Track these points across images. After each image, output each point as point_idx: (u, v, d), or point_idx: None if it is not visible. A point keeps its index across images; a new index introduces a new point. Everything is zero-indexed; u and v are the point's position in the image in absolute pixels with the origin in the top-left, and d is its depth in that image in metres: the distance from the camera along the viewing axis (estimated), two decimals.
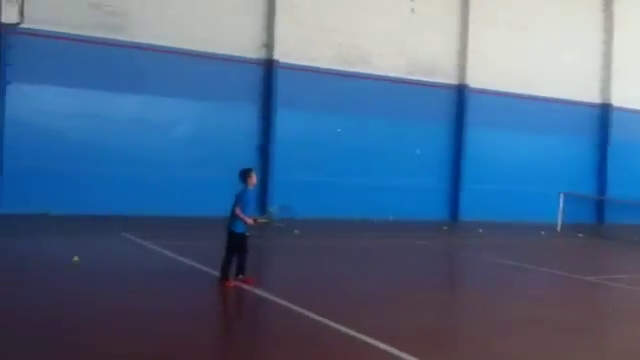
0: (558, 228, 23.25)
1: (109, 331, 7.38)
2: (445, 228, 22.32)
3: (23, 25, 18.95)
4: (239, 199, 10.07)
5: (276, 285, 10.59)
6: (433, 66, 25.19)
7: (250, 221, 10.06)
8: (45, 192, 19.09)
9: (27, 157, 19.05)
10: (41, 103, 19.49)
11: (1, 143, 18.79)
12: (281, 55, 22.36)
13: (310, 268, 12.88)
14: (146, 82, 20.70)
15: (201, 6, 21.36)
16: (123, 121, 20.47)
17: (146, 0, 20.68)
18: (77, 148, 19.75)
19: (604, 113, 28.71)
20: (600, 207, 28.75)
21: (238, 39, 21.94)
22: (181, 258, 12.48)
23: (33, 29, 19.09)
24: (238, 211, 9.95)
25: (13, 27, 18.86)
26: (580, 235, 21.99)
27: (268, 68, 22.33)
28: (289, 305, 8.94)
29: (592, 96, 28.54)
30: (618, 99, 28.60)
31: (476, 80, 25.61)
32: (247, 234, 10.19)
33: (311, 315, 8.40)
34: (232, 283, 9.99)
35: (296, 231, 17.06)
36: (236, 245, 10.09)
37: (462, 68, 25.67)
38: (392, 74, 24.27)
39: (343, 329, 7.75)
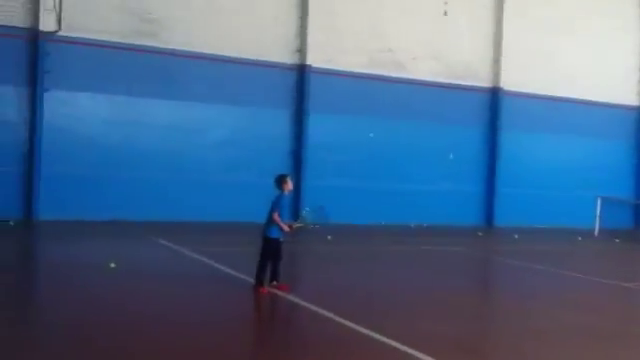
0: (595, 233, 22.89)
1: (145, 337, 7.43)
2: (480, 234, 22.11)
3: (61, 33, 19.27)
4: (275, 204, 10.08)
5: (309, 291, 10.58)
6: (466, 69, 25.00)
7: (287, 228, 10.07)
8: (81, 198, 19.37)
9: (63, 163, 19.34)
10: (77, 109, 19.77)
11: (39, 149, 19.09)
12: (314, 60, 22.38)
13: (343, 274, 12.85)
14: (180, 88, 20.88)
15: (234, 13, 21.48)
16: (158, 127, 20.67)
17: (180, 7, 20.85)
18: (112, 154, 19.99)
19: None
20: (638, 212, 28.23)
21: (271, 44, 22.02)
22: (216, 264, 12.54)
23: (70, 37, 19.39)
24: (275, 216, 9.95)
25: (51, 35, 19.19)
26: (617, 240, 21.62)
27: (301, 73, 22.38)
28: (322, 311, 8.92)
29: (630, 98, 28.04)
30: None
31: (510, 83, 25.34)
32: (281, 240, 10.20)
33: (343, 321, 8.37)
34: (266, 289, 10.01)
35: (329, 237, 17.07)
36: (271, 251, 10.11)
37: (496, 71, 25.42)
38: (425, 78, 24.12)
39: (375, 335, 7.71)
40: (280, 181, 10.30)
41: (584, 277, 13.58)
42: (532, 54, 25.64)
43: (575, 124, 26.36)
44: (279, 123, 22.31)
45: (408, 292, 11.15)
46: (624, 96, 27.71)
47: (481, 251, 18.47)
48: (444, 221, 23.17)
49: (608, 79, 27.09)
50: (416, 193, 23.63)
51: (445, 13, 24.51)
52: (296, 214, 21.21)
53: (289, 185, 10.32)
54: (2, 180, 18.52)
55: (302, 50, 22.39)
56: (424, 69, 24.18)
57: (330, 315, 8.72)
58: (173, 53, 20.63)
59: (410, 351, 7.16)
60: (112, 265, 11.47)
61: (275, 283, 10.17)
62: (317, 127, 22.36)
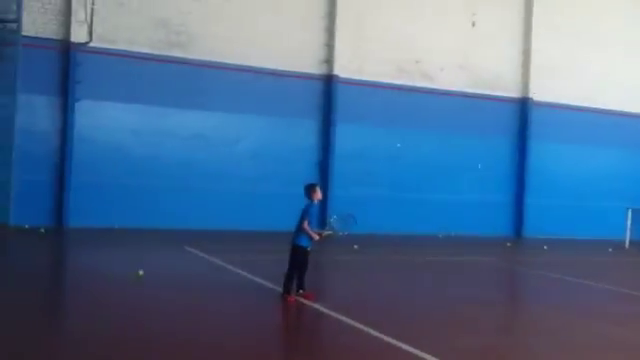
0: (626, 245, 22.54)
1: (170, 346, 7.48)
2: (509, 244, 21.91)
3: (92, 44, 19.57)
4: (305, 213, 10.09)
5: (335, 300, 10.55)
6: (495, 80, 24.87)
7: (316, 237, 10.07)
8: (110, 206, 19.59)
9: (93, 172, 19.60)
10: (107, 119, 20.03)
11: (69, 158, 19.36)
12: (341, 70, 22.44)
13: (369, 284, 12.81)
14: (209, 98, 21.06)
15: (262, 23, 21.63)
16: (187, 137, 20.87)
17: (209, 18, 21.06)
18: (141, 163, 20.21)
19: None
20: None
21: (299, 55, 22.13)
22: (243, 272, 12.58)
23: (101, 48, 19.70)
24: (305, 225, 9.96)
25: (82, 46, 19.49)
26: None
27: (328, 83, 22.44)
28: (348, 320, 8.89)
29: None
30: None
31: (539, 93, 25.15)
32: (309, 249, 10.21)
33: (369, 330, 8.34)
34: (294, 298, 10.02)
35: (355, 246, 17.03)
36: (299, 260, 10.11)
37: (525, 81, 25.25)
38: (453, 88, 24.06)
39: (402, 345, 7.66)
40: (309, 190, 10.31)
41: (615, 289, 13.38)
42: (561, 64, 25.42)
43: (605, 135, 26.06)
44: (306, 133, 22.38)
45: (435, 303, 11.07)
46: None
47: (510, 262, 18.29)
48: (472, 231, 23.02)
49: (638, 90, 26.73)
50: (444, 203, 23.52)
51: (473, 24, 24.45)
52: (323, 223, 21.24)
53: (318, 194, 10.32)
54: (34, 189, 18.81)
55: (329, 60, 22.47)
56: (452, 79, 24.11)
57: (356, 324, 8.69)
58: (201, 64, 20.82)
59: None
60: (140, 273, 11.55)
61: (301, 292, 10.17)
62: (344, 137, 22.39)
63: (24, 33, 18.54)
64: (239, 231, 19.94)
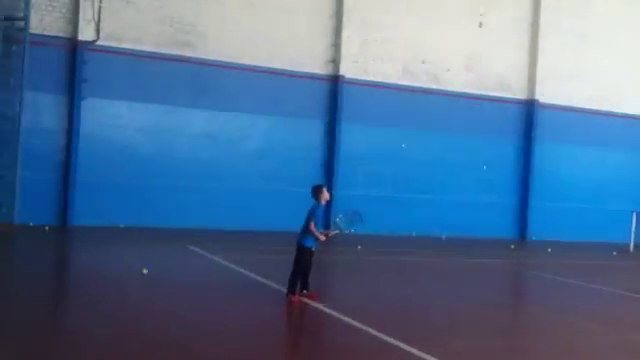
0: (630, 248, 22.49)
1: (172, 344, 7.50)
2: (512, 246, 21.88)
3: (99, 42, 19.62)
4: (312, 215, 10.08)
5: (339, 301, 10.57)
6: (501, 81, 24.84)
7: (322, 237, 10.08)
8: (115, 205, 19.64)
9: (99, 170, 19.65)
10: (113, 118, 20.08)
11: (75, 157, 19.42)
12: (347, 71, 22.45)
13: (373, 284, 12.82)
14: (215, 98, 21.10)
15: (269, 23, 21.66)
16: (192, 136, 20.91)
17: (216, 18, 21.10)
18: (147, 162, 20.26)
19: None
20: None
21: (305, 55, 22.14)
22: (246, 272, 12.61)
23: (108, 46, 19.75)
24: (312, 227, 9.97)
25: (89, 44, 19.55)
26: None
27: (334, 84, 22.45)
28: (351, 321, 8.91)
29: None
30: None
31: (546, 95, 25.11)
32: (314, 250, 10.22)
33: (372, 332, 8.35)
34: (297, 298, 10.04)
35: (359, 246, 17.05)
36: (304, 260, 10.12)
37: (531, 83, 25.21)
38: (459, 89, 24.05)
39: (405, 347, 7.67)
40: (316, 191, 10.31)
41: (618, 292, 13.36)
42: (568, 66, 25.38)
43: (611, 137, 26.00)
44: (312, 133, 22.40)
45: (437, 304, 11.08)
46: None
47: (514, 264, 18.28)
48: (476, 233, 23.00)
49: None
50: (448, 205, 23.51)
51: (480, 25, 24.42)
52: (327, 224, 21.29)
53: (325, 195, 10.31)
54: (39, 187, 18.86)
55: (336, 61, 22.47)
56: (458, 81, 24.10)
57: (359, 325, 8.70)
58: (208, 63, 20.86)
59: None
60: (144, 271, 11.60)
61: (305, 292, 10.20)
62: (350, 137, 22.40)
63: (32, 31, 18.58)
64: (243, 230, 19.97)
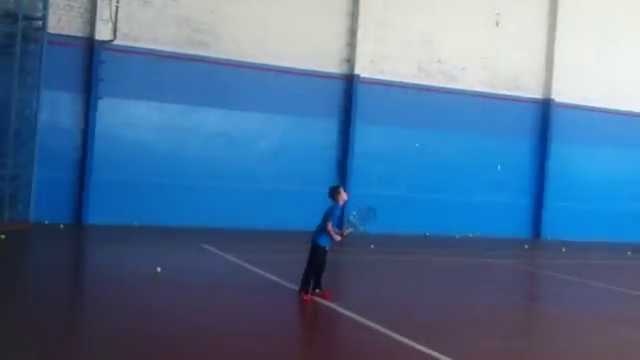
0: None
1: (185, 342, 7.57)
2: (526, 246, 21.80)
3: (115, 42, 19.76)
4: (329, 215, 10.10)
5: (351, 300, 10.60)
6: (517, 80, 24.71)
7: (338, 238, 10.12)
8: (131, 203, 19.75)
9: (114, 169, 19.76)
10: (129, 117, 20.20)
11: (91, 155, 19.57)
12: (362, 70, 22.44)
13: (385, 283, 12.83)
14: (231, 97, 21.16)
15: (284, 22, 21.69)
16: (207, 135, 21.00)
17: (232, 17, 21.16)
18: (163, 161, 20.35)
19: None
20: None
21: (320, 54, 22.15)
22: (260, 271, 12.66)
23: (124, 46, 19.86)
24: (330, 227, 9.99)
25: (106, 44, 19.69)
26: None
27: (349, 83, 22.46)
28: (363, 320, 8.94)
29: None
30: None
31: (562, 94, 24.96)
32: (328, 249, 10.25)
33: (385, 331, 8.37)
34: (309, 297, 10.09)
35: (372, 245, 17.06)
36: (319, 259, 10.15)
37: (548, 82, 25.05)
38: (475, 88, 23.95)
39: (418, 347, 7.69)
40: (334, 192, 10.35)
41: (634, 293, 13.28)
42: (585, 66, 25.18)
43: (627, 137, 25.79)
44: (327, 133, 22.40)
45: (450, 304, 11.08)
46: None
47: (528, 264, 18.21)
48: (490, 233, 22.92)
49: None
50: (462, 204, 23.44)
51: (497, 23, 24.31)
52: (340, 223, 21.32)
53: (343, 196, 10.36)
54: (55, 185, 19.00)
55: (351, 60, 22.47)
56: (474, 80, 24.01)
57: (372, 324, 8.73)
58: (224, 63, 20.93)
59: None
60: (158, 270, 11.69)
61: (318, 291, 10.24)
62: (364, 137, 22.39)
63: (49, 30, 18.74)
64: (257, 230, 20.02)
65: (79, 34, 19.71)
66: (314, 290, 10.24)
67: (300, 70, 21.78)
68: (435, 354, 7.42)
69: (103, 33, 19.72)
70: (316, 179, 21.84)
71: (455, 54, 23.72)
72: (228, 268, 13.43)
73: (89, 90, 19.60)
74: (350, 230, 10.27)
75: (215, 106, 21.10)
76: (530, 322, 10.57)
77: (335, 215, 10.18)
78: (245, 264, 13.47)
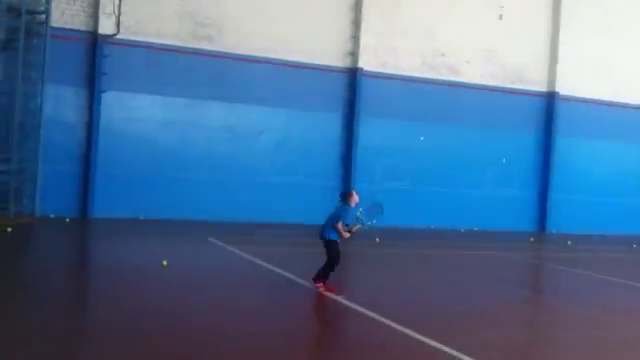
0: None
1: (191, 334, 7.57)
2: (532, 239, 21.77)
3: (119, 36, 19.73)
4: (339, 215, 10.08)
5: (357, 293, 10.59)
6: (521, 73, 24.65)
7: (347, 235, 10.13)
8: (135, 197, 19.78)
9: (119, 163, 19.79)
10: (133, 111, 20.21)
11: (95, 149, 19.57)
12: (366, 63, 22.40)
13: (390, 276, 12.82)
14: (235, 91, 21.15)
15: (288, 16, 21.66)
16: (211, 129, 20.99)
17: (235, 11, 21.12)
18: (167, 155, 20.37)
19: None
20: None
21: (324, 48, 22.12)
22: (265, 264, 12.66)
23: (128, 40, 19.85)
24: (340, 226, 9.98)
25: (109, 38, 19.67)
26: None
27: (352, 76, 22.41)
28: (368, 313, 8.93)
29: None
30: None
31: (566, 87, 24.88)
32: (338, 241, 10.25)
33: (392, 324, 8.36)
34: (326, 286, 10.07)
35: (377, 239, 17.04)
36: (335, 252, 10.13)
37: (552, 75, 24.99)
38: (478, 82, 23.91)
39: (425, 339, 7.68)
40: (346, 196, 10.33)
41: (639, 285, 13.26)
42: (589, 58, 25.11)
43: (632, 131, 25.74)
44: (330, 126, 22.38)
45: (457, 297, 11.06)
46: None
47: (533, 257, 18.20)
48: (495, 226, 22.91)
49: None
50: (467, 197, 23.44)
51: (500, 17, 24.24)
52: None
53: (355, 198, 10.33)
54: (60, 179, 19.03)
55: (354, 53, 22.43)
56: (478, 73, 23.96)
57: (378, 317, 8.72)
58: (228, 56, 20.91)
59: (462, 357, 7.09)
60: (164, 263, 11.69)
61: (320, 284, 10.23)
62: (368, 130, 22.37)
63: (52, 24, 18.75)
64: (262, 223, 20.03)
65: (82, 28, 19.72)
66: (316, 279, 10.23)
67: (303, 64, 21.75)
68: (438, 345, 7.40)
69: (106, 27, 19.70)
70: (320, 173, 21.89)
71: (459, 47, 23.67)
72: (233, 261, 13.43)
73: (92, 84, 19.61)
74: (358, 226, 10.26)
75: (219, 100, 21.10)
76: (538, 315, 10.53)
77: (346, 215, 10.16)
78: (250, 257, 13.47)
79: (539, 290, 13.77)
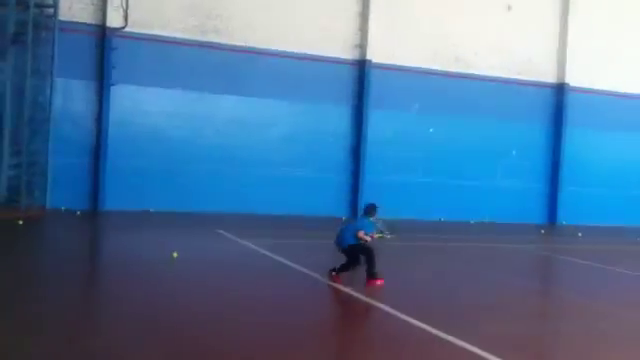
0: None
1: (203, 326, 7.57)
2: (543, 231, 21.69)
3: (127, 29, 19.74)
4: (362, 226, 10.23)
5: (365, 284, 10.56)
6: (531, 65, 24.52)
7: (368, 239, 10.20)
8: (145, 189, 19.83)
9: (129, 155, 19.84)
10: (142, 103, 20.24)
11: (105, 142, 19.62)
12: (374, 55, 22.32)
13: (399, 268, 12.78)
14: (243, 83, 21.15)
15: (295, 9, 21.62)
16: (220, 121, 21.00)
17: (243, 4, 21.10)
18: (176, 147, 20.40)
19: None
20: None
21: (332, 40, 22.07)
22: (274, 256, 12.65)
23: (136, 33, 19.87)
24: (362, 234, 10.09)
25: (118, 31, 19.68)
26: None
27: (361, 68, 22.35)
28: (380, 305, 8.91)
29: None
30: None
31: (576, 79, 24.74)
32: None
33: (402, 316, 8.33)
34: (380, 280, 10.15)
35: (387, 233, 16.97)
36: (367, 250, 10.17)
37: (561, 66, 24.86)
38: (488, 73, 23.81)
39: (435, 331, 7.65)
40: (372, 209, 10.47)
41: None
42: (599, 49, 24.95)
43: None
44: (339, 118, 22.36)
45: (466, 288, 11.02)
46: None
47: (544, 249, 18.11)
48: (505, 218, 22.85)
49: None
50: (477, 189, 23.37)
51: (509, 8, 24.10)
52: (354, 209, 21.33)
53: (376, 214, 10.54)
54: (70, 172, 19.10)
55: (362, 45, 22.36)
56: (487, 65, 23.86)
57: (388, 309, 8.69)
58: (236, 49, 20.90)
59: (475, 349, 7.06)
60: (175, 255, 11.70)
61: (334, 274, 10.23)
62: (377, 122, 22.32)
63: (61, 18, 18.78)
64: (271, 215, 20.04)
65: (90, 21, 19.75)
66: (332, 270, 10.23)
67: (312, 56, 21.72)
68: (451, 338, 7.37)
69: (114, 20, 19.73)
70: (329, 165, 21.88)
71: (468, 39, 23.57)
72: (243, 253, 13.43)
73: (102, 77, 19.67)
74: (379, 235, 10.37)
75: (228, 93, 21.10)
76: (549, 307, 10.47)
77: (369, 227, 10.23)
78: (259, 249, 13.47)
79: (551, 282, 13.70)
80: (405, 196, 22.02)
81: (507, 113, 23.98)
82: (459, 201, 23.04)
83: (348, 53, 22.39)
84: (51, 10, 18.71)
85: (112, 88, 19.74)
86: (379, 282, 10.15)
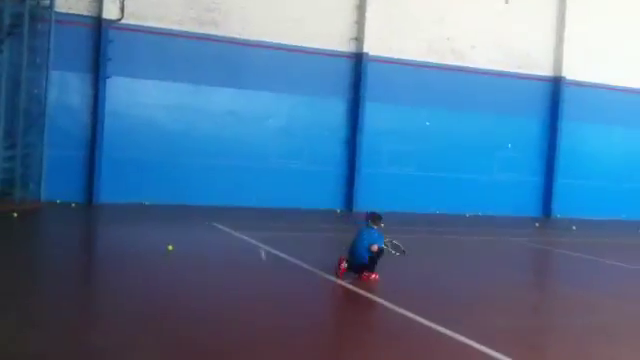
0: None
1: (197, 320, 7.59)
2: (537, 224, 21.74)
3: (123, 21, 19.68)
4: (376, 239, 10.25)
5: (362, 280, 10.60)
6: (527, 58, 24.51)
7: (376, 248, 10.20)
8: (141, 182, 19.83)
9: (124, 148, 19.82)
10: (139, 96, 20.20)
11: (100, 134, 19.59)
12: (371, 48, 22.29)
13: (397, 262, 12.81)
14: (239, 76, 21.12)
15: (293, 2, 21.57)
16: (216, 114, 20.98)
17: None
18: (172, 140, 20.38)
19: None
20: None
21: (329, 33, 22.03)
22: (269, 249, 12.67)
23: (132, 25, 19.81)
24: (376, 248, 10.13)
25: (114, 23, 19.62)
26: None
27: (357, 61, 22.32)
28: (381, 301, 8.95)
29: None
30: None
31: (572, 72, 24.73)
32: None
33: (401, 311, 8.36)
34: (375, 275, 10.18)
35: (382, 225, 17.00)
36: (376, 254, 10.22)
37: (558, 60, 24.84)
38: (484, 66, 23.79)
39: (434, 326, 7.68)
40: (376, 218, 10.54)
41: None
42: (596, 43, 24.92)
43: (638, 115, 25.61)
44: (335, 111, 22.34)
45: (463, 282, 11.05)
46: None
47: (540, 242, 18.17)
48: (500, 211, 22.90)
49: None
50: (472, 183, 23.40)
51: (506, 1, 24.06)
52: (349, 202, 21.38)
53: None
54: (65, 164, 19.07)
55: (359, 38, 22.33)
56: (483, 58, 23.83)
57: (389, 305, 8.72)
58: (232, 41, 20.85)
59: (472, 343, 7.09)
60: (170, 248, 11.72)
61: (344, 265, 10.23)
62: (373, 115, 22.30)
63: (57, 10, 18.71)
64: (267, 208, 20.05)
65: (86, 13, 19.68)
66: (340, 263, 10.25)
67: (308, 48, 21.68)
68: (450, 332, 7.41)
69: (111, 12, 19.67)
70: (325, 158, 21.89)
71: (465, 32, 23.54)
72: (238, 246, 13.45)
73: (97, 69, 19.60)
74: (384, 248, 10.40)
75: (224, 85, 21.08)
76: (545, 301, 10.52)
77: (380, 239, 10.30)
78: (255, 242, 13.48)
79: (546, 275, 13.76)
80: (401, 189, 22.06)
81: (503, 106, 23.99)
82: (455, 194, 23.07)
83: (345, 46, 22.35)
84: (47, 2, 18.63)
85: (108, 80, 19.69)
86: (374, 276, 10.18)
